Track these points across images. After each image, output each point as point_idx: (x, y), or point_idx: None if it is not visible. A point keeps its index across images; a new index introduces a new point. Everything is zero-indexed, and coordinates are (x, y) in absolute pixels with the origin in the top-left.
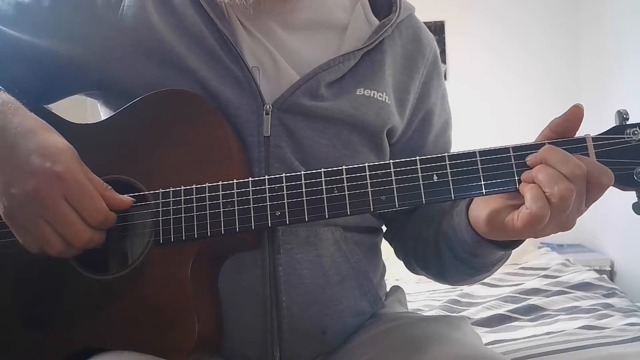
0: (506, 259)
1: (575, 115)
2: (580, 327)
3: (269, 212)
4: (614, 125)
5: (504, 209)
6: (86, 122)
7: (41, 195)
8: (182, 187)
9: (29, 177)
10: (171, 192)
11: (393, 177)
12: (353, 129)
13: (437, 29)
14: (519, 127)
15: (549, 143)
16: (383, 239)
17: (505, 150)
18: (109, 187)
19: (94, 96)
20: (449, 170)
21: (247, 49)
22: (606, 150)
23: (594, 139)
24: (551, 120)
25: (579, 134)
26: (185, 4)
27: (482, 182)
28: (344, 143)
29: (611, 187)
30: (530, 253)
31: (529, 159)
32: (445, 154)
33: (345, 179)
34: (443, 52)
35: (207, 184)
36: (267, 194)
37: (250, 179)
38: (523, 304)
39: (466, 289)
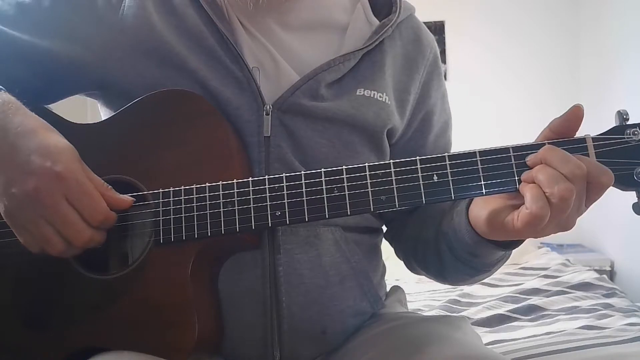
0: (506, 259)
1: (575, 115)
2: (580, 327)
3: (269, 212)
4: (614, 125)
5: (504, 209)
6: (86, 122)
7: (42, 195)
8: (182, 187)
9: (29, 177)
10: (171, 192)
11: (393, 177)
12: (353, 129)
13: (437, 29)
14: (519, 127)
15: (549, 143)
16: (383, 239)
17: (505, 150)
18: (110, 186)
19: (94, 96)
20: (449, 170)
21: (247, 49)
22: (606, 151)
23: (594, 139)
24: (551, 120)
25: (579, 134)
26: (186, 4)
27: (482, 182)
28: (344, 143)
29: (611, 187)
30: (530, 253)
31: (529, 159)
32: (445, 154)
33: (345, 179)
34: (443, 52)
35: (207, 184)
36: (267, 194)
37: (250, 179)
38: (523, 304)
39: (466, 289)
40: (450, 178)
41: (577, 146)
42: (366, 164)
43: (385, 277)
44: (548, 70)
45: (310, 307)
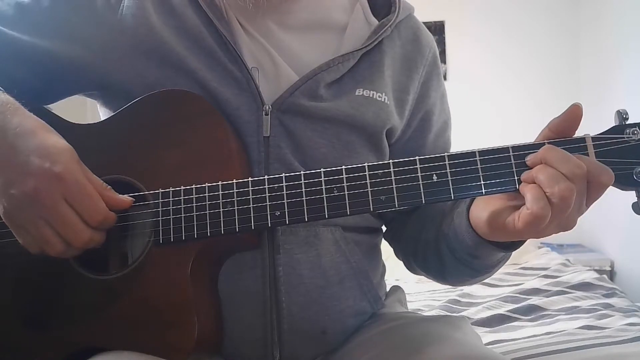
0: (506, 260)
1: (574, 114)
2: (580, 327)
3: (268, 212)
4: (614, 125)
5: (504, 210)
6: (86, 122)
7: (41, 195)
8: (182, 187)
9: (28, 178)
10: (171, 192)
11: (393, 177)
12: (352, 129)
13: (437, 29)
14: (519, 127)
15: (548, 143)
16: (383, 239)
17: (504, 150)
18: (109, 187)
19: (94, 96)
20: (448, 170)
21: (247, 50)
22: (606, 150)
23: (594, 138)
24: (551, 120)
25: (579, 133)
26: (185, 5)
27: (482, 182)
28: (343, 143)
29: (611, 186)
30: (530, 253)
31: (529, 159)
32: (445, 153)
33: (344, 179)
34: (443, 52)
35: (206, 184)
36: (267, 194)
37: (249, 179)
38: (523, 304)
39: (466, 289)
40: (449, 178)
41: (577, 146)
42: (366, 164)
43: (385, 277)
44: (548, 70)
45: (310, 307)
